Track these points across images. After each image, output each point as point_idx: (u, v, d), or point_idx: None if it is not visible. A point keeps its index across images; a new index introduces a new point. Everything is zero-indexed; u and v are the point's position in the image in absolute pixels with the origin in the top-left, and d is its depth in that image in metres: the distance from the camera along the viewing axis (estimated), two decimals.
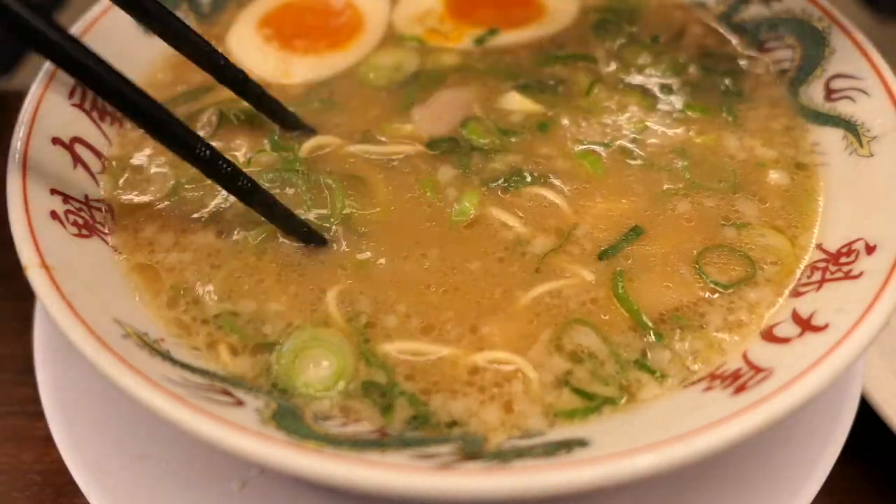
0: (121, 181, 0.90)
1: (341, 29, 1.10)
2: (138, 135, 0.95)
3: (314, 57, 1.06)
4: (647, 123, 0.96)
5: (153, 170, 0.91)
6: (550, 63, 1.06)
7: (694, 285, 0.80)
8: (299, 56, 1.06)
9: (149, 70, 1.03)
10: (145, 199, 0.88)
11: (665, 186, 0.89)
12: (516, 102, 0.99)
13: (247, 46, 1.08)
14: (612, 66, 1.05)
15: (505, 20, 1.11)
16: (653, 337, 0.76)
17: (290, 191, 0.88)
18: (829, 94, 0.92)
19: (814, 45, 0.98)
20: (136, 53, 1.01)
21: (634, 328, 0.77)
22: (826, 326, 0.69)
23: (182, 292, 0.80)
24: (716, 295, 0.79)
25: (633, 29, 1.11)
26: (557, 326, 0.77)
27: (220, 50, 0.91)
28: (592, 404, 0.71)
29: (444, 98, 1.00)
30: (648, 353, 0.75)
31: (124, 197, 0.88)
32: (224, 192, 0.87)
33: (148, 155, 0.93)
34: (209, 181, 0.78)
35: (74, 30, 0.94)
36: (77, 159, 0.86)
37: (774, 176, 0.90)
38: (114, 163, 0.91)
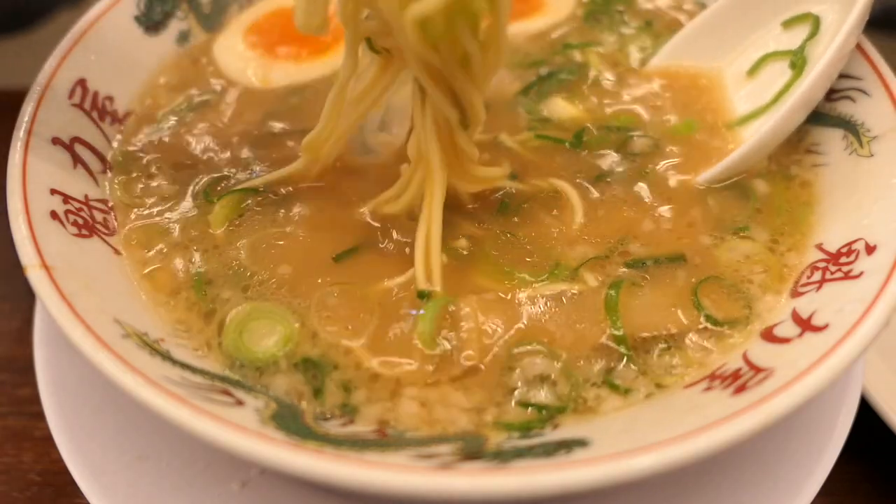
0: (122, 180, 0.90)
1: (327, 35, 1.10)
2: (140, 135, 0.95)
3: (294, 63, 1.07)
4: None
5: (154, 169, 0.92)
6: (563, 51, 1.07)
7: (687, 313, 0.79)
8: (281, 62, 1.07)
9: (149, 70, 1.03)
10: (145, 197, 0.88)
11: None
12: (561, 109, 0.99)
13: (230, 53, 1.08)
14: (618, 51, 1.08)
15: None
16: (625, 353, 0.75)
17: None
18: (829, 93, 0.92)
19: None
20: (136, 54, 1.02)
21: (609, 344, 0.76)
22: (826, 326, 0.69)
23: (184, 288, 0.80)
24: (705, 327, 0.78)
25: (625, 17, 1.14)
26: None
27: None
28: (543, 416, 0.71)
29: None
30: (616, 369, 0.74)
31: (125, 196, 0.88)
32: (225, 191, 0.88)
33: (149, 155, 0.93)
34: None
35: (75, 30, 0.94)
36: (77, 159, 0.86)
37: (761, 185, 0.91)
38: (115, 162, 0.91)
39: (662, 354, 0.75)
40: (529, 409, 0.71)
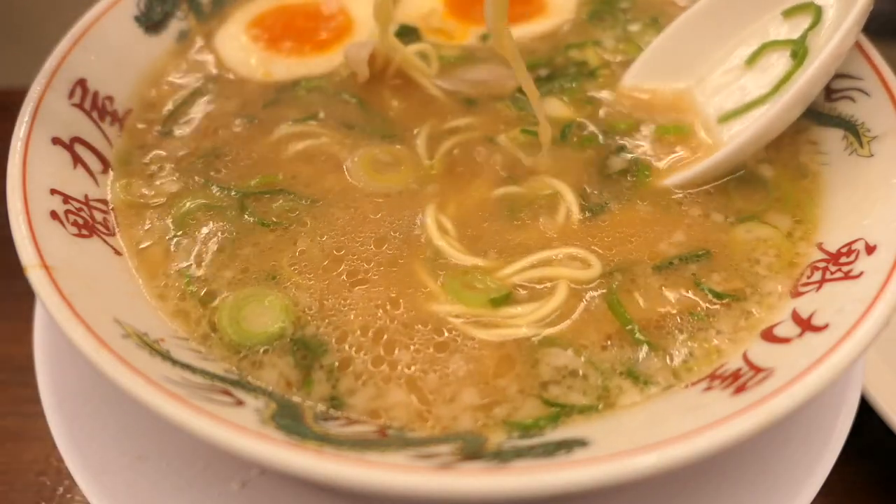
0: (122, 180, 0.90)
1: (329, 33, 1.11)
2: (141, 134, 0.95)
3: (297, 58, 1.07)
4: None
5: (155, 168, 0.92)
6: (564, 51, 1.08)
7: (691, 292, 0.80)
8: (283, 57, 1.07)
9: (149, 70, 1.03)
10: (146, 198, 0.88)
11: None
12: (557, 110, 0.99)
13: (232, 44, 1.09)
14: (622, 51, 1.08)
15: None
16: (644, 345, 0.76)
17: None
18: (830, 93, 0.92)
19: None
20: (136, 54, 1.02)
21: (622, 335, 0.77)
22: (826, 326, 0.69)
23: (182, 287, 0.80)
24: (715, 305, 0.79)
25: (629, 15, 1.14)
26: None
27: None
28: (560, 411, 0.71)
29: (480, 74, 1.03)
30: (638, 360, 0.75)
31: (125, 195, 0.88)
32: (225, 192, 0.88)
33: (149, 155, 0.93)
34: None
35: (75, 30, 0.94)
36: (77, 159, 0.86)
37: (769, 173, 0.91)
38: (115, 162, 0.91)
39: (678, 340, 0.76)
40: (553, 407, 0.71)
